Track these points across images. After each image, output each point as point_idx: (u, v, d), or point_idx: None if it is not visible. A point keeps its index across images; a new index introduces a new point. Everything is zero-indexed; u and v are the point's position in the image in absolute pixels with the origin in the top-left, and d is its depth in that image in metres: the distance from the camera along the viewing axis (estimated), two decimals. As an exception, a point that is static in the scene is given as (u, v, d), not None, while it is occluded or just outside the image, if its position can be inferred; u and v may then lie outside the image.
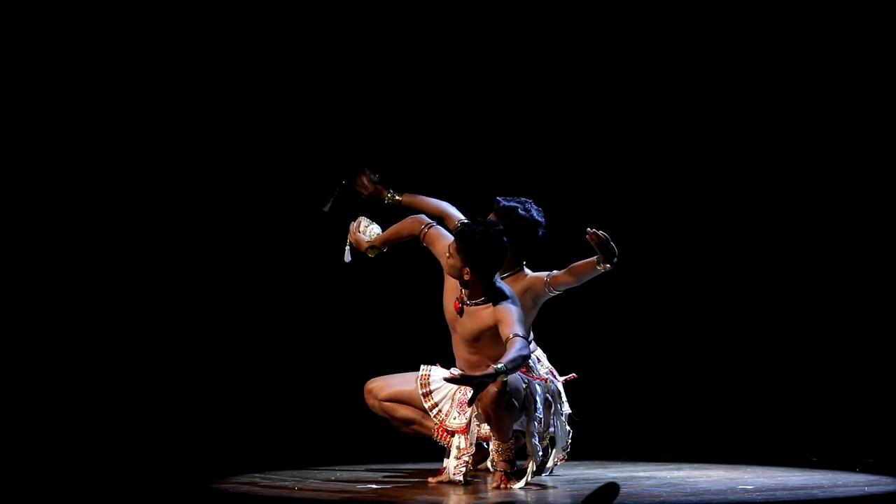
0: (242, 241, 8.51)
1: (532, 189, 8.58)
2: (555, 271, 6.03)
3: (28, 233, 8.12)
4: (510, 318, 5.60)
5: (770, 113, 8.67)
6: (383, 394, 5.90)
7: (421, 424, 5.87)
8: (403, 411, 5.89)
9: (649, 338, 8.75)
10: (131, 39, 8.27)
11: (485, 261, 5.66)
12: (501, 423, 5.54)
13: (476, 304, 5.72)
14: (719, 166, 8.75)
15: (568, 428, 6.07)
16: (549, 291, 6.03)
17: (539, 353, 6.18)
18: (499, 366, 5.30)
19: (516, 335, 5.50)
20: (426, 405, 5.81)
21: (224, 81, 8.44)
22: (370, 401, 5.93)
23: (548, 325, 6.29)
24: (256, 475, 6.09)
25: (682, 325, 8.72)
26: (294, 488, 5.61)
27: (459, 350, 5.81)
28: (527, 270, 6.11)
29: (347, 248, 6.14)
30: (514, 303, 5.69)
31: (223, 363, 8.37)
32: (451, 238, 5.79)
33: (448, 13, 8.61)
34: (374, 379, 5.96)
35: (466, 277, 5.69)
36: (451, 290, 5.83)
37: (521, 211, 6.03)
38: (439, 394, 5.80)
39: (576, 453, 6.64)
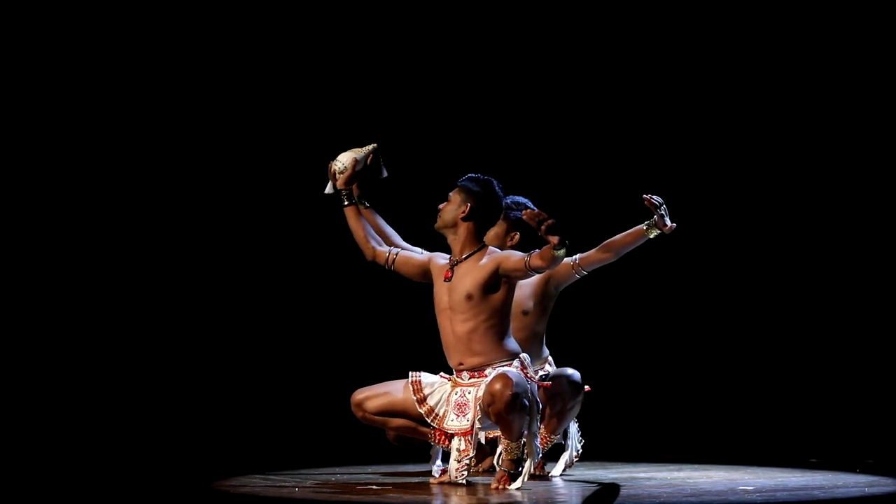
0: (243, 241, 8.52)
1: (532, 189, 8.62)
2: (578, 254, 6.04)
3: (28, 232, 8.13)
4: (509, 254, 5.66)
5: (771, 113, 8.67)
6: (373, 406, 5.76)
7: (415, 431, 5.81)
8: (396, 422, 5.78)
9: (650, 339, 8.76)
10: (131, 39, 8.29)
11: (484, 202, 5.74)
12: (513, 423, 5.51)
13: (468, 257, 5.72)
14: (717, 170, 8.76)
15: (580, 437, 6.10)
16: (578, 273, 6.04)
17: (550, 359, 6.20)
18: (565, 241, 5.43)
19: (531, 253, 5.58)
20: (421, 411, 5.70)
21: (222, 82, 8.45)
22: (359, 414, 5.78)
23: (549, 326, 6.28)
24: (257, 476, 6.10)
25: (682, 326, 8.72)
26: (294, 489, 5.61)
27: (452, 327, 5.71)
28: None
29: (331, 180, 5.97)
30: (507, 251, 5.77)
31: (224, 364, 8.38)
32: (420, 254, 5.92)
33: (442, 10, 8.64)
34: (360, 391, 5.81)
35: (462, 214, 5.72)
36: (439, 274, 5.79)
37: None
38: (433, 398, 5.71)
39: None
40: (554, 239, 5.42)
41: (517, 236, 6.11)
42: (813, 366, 8.56)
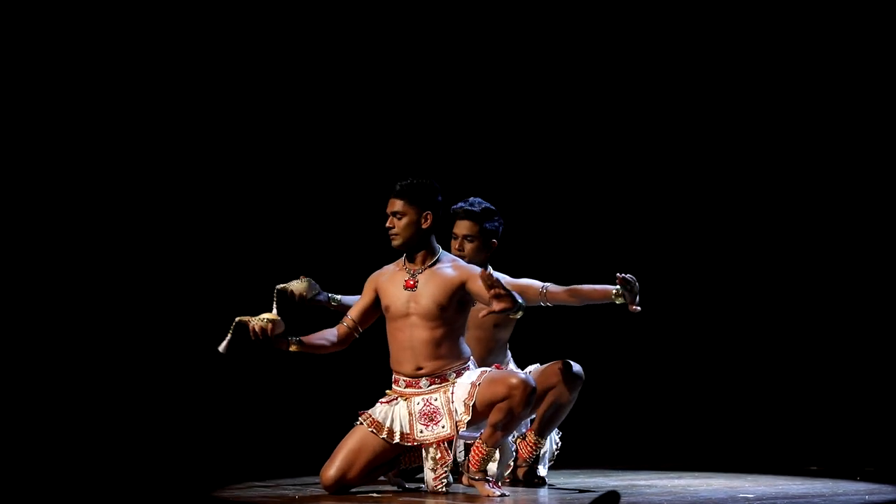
0: (245, 245, 8.52)
1: (529, 193, 8.63)
2: (550, 284, 6.03)
3: (28, 235, 8.11)
4: (477, 276, 5.56)
5: (769, 114, 8.68)
6: (355, 475, 5.60)
7: (388, 467, 5.74)
8: (378, 476, 5.72)
9: (650, 346, 8.76)
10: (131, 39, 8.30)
11: (439, 207, 5.65)
12: (514, 422, 5.48)
13: (430, 266, 5.65)
14: (714, 174, 8.77)
15: (558, 441, 6.12)
16: (542, 302, 6.04)
17: (512, 365, 6.19)
18: (520, 301, 5.29)
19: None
20: (394, 441, 5.58)
21: (223, 81, 8.46)
22: (335, 488, 5.57)
23: (548, 332, 6.28)
24: (257, 483, 6.09)
25: (682, 333, 8.72)
26: (295, 497, 5.61)
27: (413, 333, 5.62)
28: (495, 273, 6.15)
29: (229, 335, 5.71)
30: (474, 266, 5.68)
31: (225, 372, 8.37)
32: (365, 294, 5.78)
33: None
34: (327, 469, 5.60)
35: (426, 225, 5.63)
36: (392, 285, 5.70)
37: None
38: (396, 424, 5.60)
39: (577, 462, 6.65)
40: (498, 306, 5.26)
41: (494, 243, 6.13)
42: (813, 373, 8.56)
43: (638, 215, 8.84)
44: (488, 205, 6.11)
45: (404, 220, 5.65)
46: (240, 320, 5.66)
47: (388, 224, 5.67)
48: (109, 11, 8.21)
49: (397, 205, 5.65)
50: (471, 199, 6.11)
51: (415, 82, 8.64)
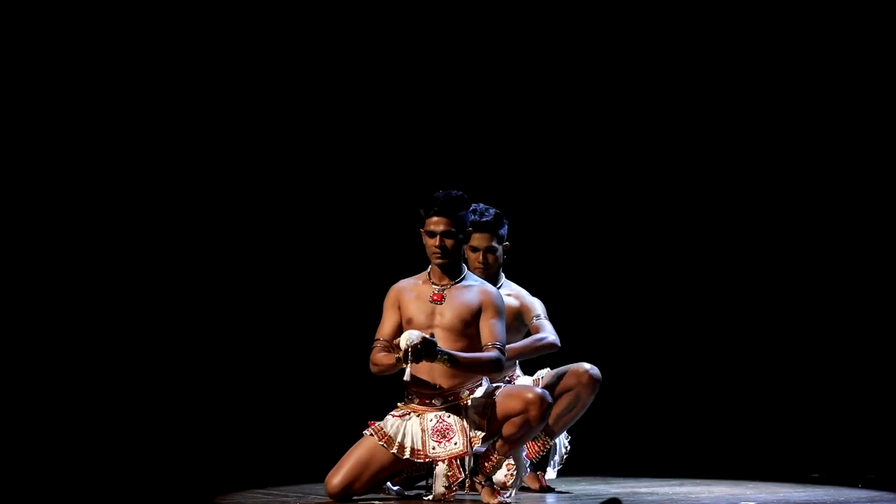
0: (244, 250, 8.52)
1: (526, 194, 8.63)
2: (545, 321, 6.08)
3: (30, 241, 8.11)
4: (496, 313, 5.54)
5: (769, 115, 8.68)
6: (362, 485, 5.57)
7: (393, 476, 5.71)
8: (383, 485, 5.70)
9: (651, 353, 8.76)
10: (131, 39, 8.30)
11: (469, 215, 5.64)
12: (529, 434, 5.48)
13: (456, 283, 5.60)
14: (712, 178, 8.78)
15: (567, 445, 6.10)
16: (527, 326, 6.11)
17: (518, 371, 6.20)
18: (445, 352, 5.35)
19: (496, 346, 5.49)
20: (404, 456, 5.54)
21: (226, 79, 8.46)
22: (342, 497, 5.54)
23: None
24: (258, 491, 6.10)
25: (684, 340, 8.72)
26: (296, 503, 5.62)
27: (442, 345, 5.50)
28: (510, 283, 6.16)
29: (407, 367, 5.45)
30: (499, 297, 5.64)
31: (226, 379, 8.37)
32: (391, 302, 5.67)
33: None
34: (333, 477, 5.56)
35: (464, 241, 5.61)
36: (416, 297, 5.63)
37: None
38: (407, 439, 5.56)
39: (578, 469, 6.65)
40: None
41: (507, 245, 6.15)
42: (815, 380, 8.55)
43: (642, 222, 8.84)
44: (494, 209, 6.10)
45: (454, 241, 5.56)
46: (403, 352, 5.40)
47: (437, 244, 5.54)
48: (111, 11, 8.21)
49: (445, 223, 5.54)
50: (475, 206, 6.05)
51: (409, 83, 8.66)
